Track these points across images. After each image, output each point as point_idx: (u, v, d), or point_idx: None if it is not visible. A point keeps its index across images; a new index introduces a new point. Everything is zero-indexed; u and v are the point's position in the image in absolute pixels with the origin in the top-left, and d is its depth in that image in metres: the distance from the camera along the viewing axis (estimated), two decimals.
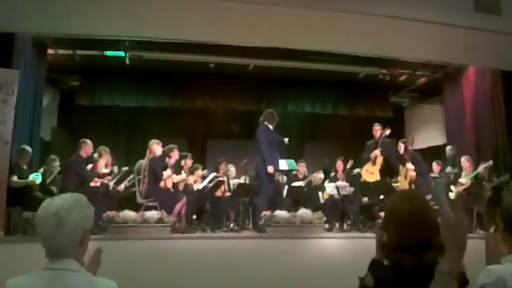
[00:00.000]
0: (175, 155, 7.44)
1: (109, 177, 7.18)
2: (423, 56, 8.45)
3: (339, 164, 8.37)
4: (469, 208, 7.02)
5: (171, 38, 7.66)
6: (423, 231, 1.57)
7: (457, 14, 6.38)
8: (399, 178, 7.77)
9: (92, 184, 6.78)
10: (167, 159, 7.28)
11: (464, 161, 7.81)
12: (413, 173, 7.32)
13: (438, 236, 1.57)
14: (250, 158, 7.82)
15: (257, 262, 5.43)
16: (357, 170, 8.22)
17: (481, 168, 7.40)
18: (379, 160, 7.59)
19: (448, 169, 7.93)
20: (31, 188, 6.38)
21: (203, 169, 8.63)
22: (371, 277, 1.64)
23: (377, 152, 7.60)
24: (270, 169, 6.94)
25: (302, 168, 8.53)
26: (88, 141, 7.01)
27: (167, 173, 7.06)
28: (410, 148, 7.64)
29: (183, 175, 7.62)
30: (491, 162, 7.47)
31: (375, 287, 1.61)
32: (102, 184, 6.92)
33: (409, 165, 7.37)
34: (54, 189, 6.88)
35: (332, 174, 8.54)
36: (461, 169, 7.58)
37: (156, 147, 6.97)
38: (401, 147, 7.78)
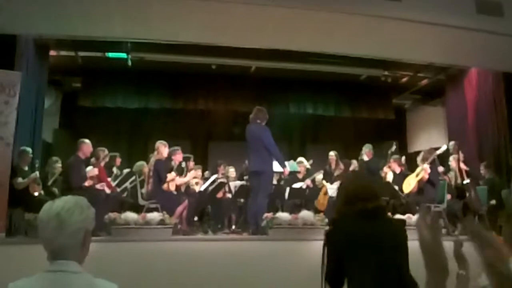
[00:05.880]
0: (178, 157, 7.43)
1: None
2: (425, 58, 8.45)
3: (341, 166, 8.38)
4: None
5: (173, 39, 7.68)
6: (365, 199, 2.38)
7: (459, 16, 6.37)
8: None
9: (98, 186, 6.77)
10: (172, 162, 7.27)
11: (452, 160, 7.81)
12: (426, 176, 7.28)
13: (378, 200, 2.48)
14: None
15: (258, 264, 5.42)
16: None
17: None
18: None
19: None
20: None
21: (203, 171, 8.63)
22: (331, 225, 2.50)
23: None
24: (287, 171, 7.05)
25: (302, 169, 8.52)
26: (87, 140, 6.84)
27: (171, 175, 7.04)
28: (437, 152, 7.58)
29: (186, 178, 7.56)
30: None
31: (333, 228, 2.44)
32: (109, 186, 6.94)
33: (426, 166, 7.32)
34: (55, 190, 6.89)
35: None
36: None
37: (163, 149, 6.96)
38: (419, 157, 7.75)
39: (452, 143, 8.08)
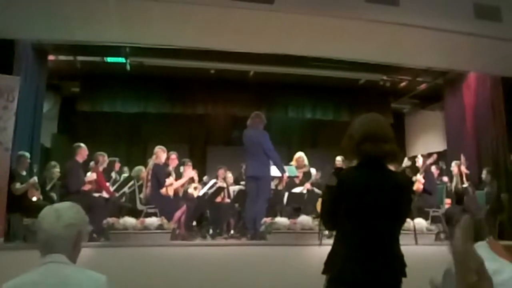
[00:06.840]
0: (174, 161, 7.44)
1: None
2: (424, 62, 8.46)
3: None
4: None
5: (172, 44, 7.67)
6: (384, 140, 2.23)
7: (457, 21, 6.37)
8: None
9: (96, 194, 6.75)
10: (170, 167, 7.26)
11: (454, 166, 7.81)
12: (420, 186, 7.30)
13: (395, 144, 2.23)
14: None
15: (257, 269, 5.40)
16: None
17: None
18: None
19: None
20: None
21: (202, 176, 8.59)
22: (334, 178, 2.12)
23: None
24: (286, 176, 7.10)
25: (301, 174, 8.49)
26: (82, 144, 6.85)
27: (169, 180, 7.04)
28: (428, 162, 7.63)
29: (182, 179, 7.53)
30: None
31: (339, 183, 2.10)
32: (108, 191, 6.92)
33: (419, 177, 7.36)
34: (54, 195, 6.87)
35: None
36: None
37: (162, 154, 6.97)
38: (419, 160, 7.91)
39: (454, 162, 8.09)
